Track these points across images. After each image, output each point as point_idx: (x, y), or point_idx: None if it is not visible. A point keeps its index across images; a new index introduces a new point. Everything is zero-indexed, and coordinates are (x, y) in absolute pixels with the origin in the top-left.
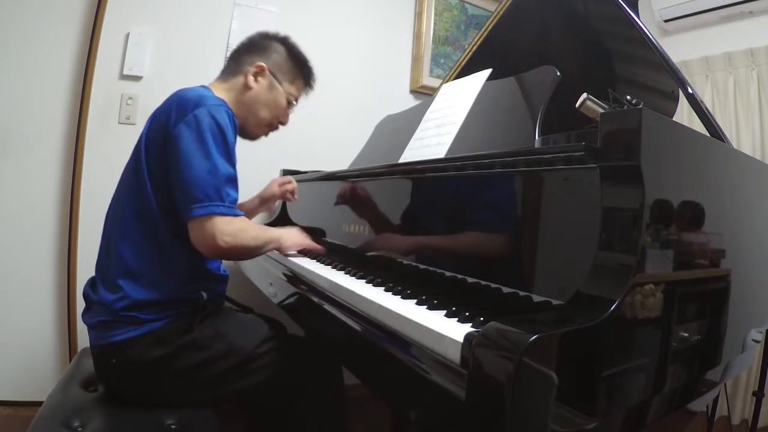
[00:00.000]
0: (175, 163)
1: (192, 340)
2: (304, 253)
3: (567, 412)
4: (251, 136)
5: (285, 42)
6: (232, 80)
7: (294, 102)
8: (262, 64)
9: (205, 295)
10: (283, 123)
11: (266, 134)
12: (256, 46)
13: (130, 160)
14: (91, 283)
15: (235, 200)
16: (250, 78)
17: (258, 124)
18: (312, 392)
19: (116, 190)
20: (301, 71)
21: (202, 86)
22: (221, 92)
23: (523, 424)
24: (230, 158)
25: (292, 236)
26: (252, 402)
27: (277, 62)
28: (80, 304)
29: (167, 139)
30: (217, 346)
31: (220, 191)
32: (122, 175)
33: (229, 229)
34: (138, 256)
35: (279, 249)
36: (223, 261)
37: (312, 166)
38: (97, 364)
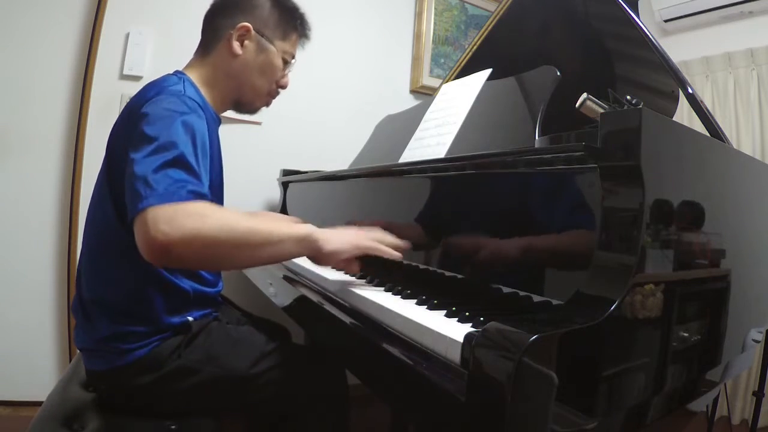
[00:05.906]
0: None
1: (180, 365)
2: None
3: (567, 412)
4: (251, 108)
5: None
6: (213, 52)
7: (291, 60)
8: (246, 24)
9: (191, 319)
10: (284, 86)
11: (268, 104)
12: (233, 3)
13: (98, 177)
14: (76, 301)
15: (181, 180)
16: (235, 43)
17: (256, 95)
18: (315, 407)
19: (88, 210)
20: (293, 22)
21: (176, 72)
22: (201, 71)
23: (523, 424)
24: (178, 137)
25: (344, 237)
26: (253, 416)
27: (262, 17)
28: None
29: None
30: (208, 370)
31: (149, 180)
32: (92, 194)
33: (165, 214)
34: (108, 283)
35: (314, 256)
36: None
37: (312, 166)
38: (89, 383)
